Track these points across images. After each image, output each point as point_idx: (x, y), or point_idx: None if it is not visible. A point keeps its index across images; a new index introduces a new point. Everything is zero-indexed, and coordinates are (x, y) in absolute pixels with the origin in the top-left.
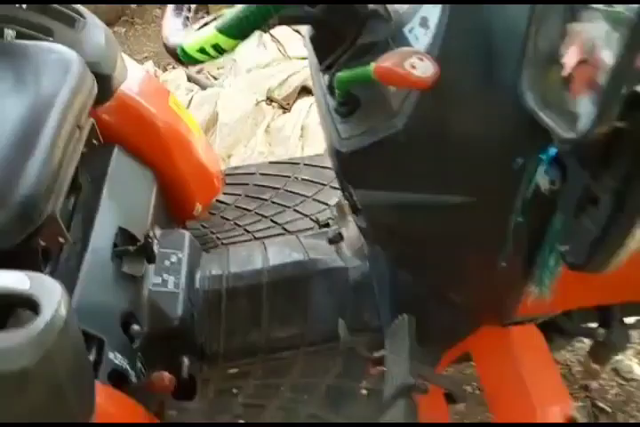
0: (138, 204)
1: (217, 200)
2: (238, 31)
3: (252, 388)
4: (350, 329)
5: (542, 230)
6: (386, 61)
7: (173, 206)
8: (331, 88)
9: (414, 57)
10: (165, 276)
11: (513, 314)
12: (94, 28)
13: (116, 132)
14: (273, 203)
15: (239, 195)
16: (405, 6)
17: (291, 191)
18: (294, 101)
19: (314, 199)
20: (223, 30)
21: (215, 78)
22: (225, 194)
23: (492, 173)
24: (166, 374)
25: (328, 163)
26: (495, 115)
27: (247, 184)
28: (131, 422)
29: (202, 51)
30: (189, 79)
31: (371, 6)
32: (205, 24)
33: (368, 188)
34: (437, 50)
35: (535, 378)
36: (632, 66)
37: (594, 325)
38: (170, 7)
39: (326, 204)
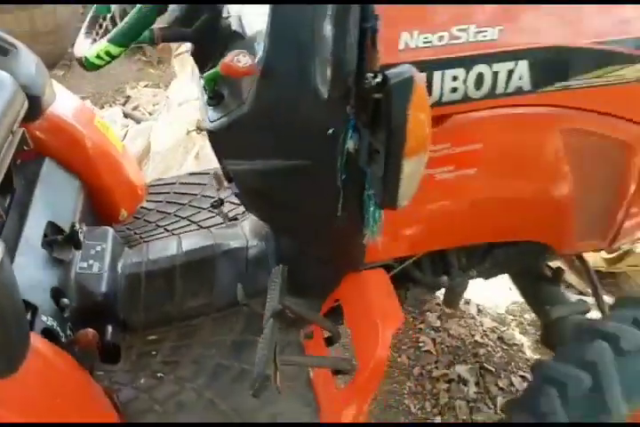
0: (65, 205)
1: (141, 207)
2: (123, 41)
3: (169, 349)
4: (248, 294)
5: (362, 183)
6: (224, 59)
7: (100, 212)
8: (204, 88)
9: (240, 55)
10: (91, 262)
11: (363, 260)
12: (26, 57)
13: (47, 146)
14: (190, 206)
15: (161, 201)
16: (258, 27)
17: (206, 196)
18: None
19: (226, 201)
20: (111, 41)
21: (150, 114)
22: (148, 201)
23: (316, 140)
24: (90, 331)
25: None
26: (311, 99)
27: (168, 192)
28: (63, 366)
29: (98, 57)
30: (125, 115)
31: (232, 28)
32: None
33: (232, 158)
34: (266, 53)
35: (379, 304)
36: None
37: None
38: (82, 31)
39: (237, 204)
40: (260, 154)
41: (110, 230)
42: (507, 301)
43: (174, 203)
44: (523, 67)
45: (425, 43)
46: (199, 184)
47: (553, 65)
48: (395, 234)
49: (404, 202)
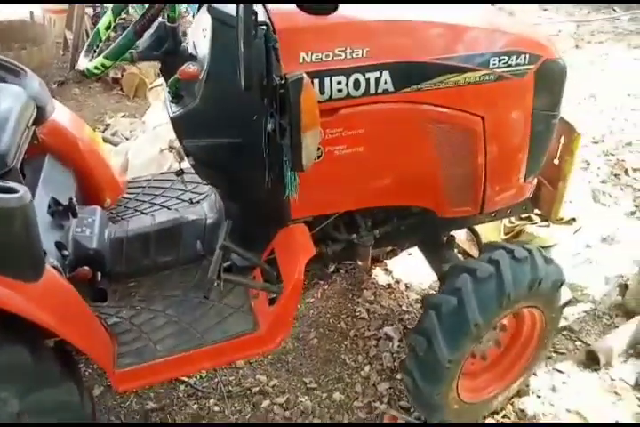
0: (63, 188)
1: (122, 197)
2: (113, 57)
3: (145, 291)
4: (206, 250)
5: (281, 154)
6: (181, 68)
7: (88, 200)
8: (168, 92)
9: (190, 64)
10: (84, 228)
11: (289, 217)
12: (32, 78)
13: (48, 146)
14: (162, 196)
15: (138, 193)
16: (205, 51)
17: (174, 188)
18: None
19: (191, 191)
20: (105, 56)
21: (127, 139)
22: (128, 193)
23: (245, 124)
24: (86, 268)
25: None
26: (238, 95)
27: (144, 187)
28: (69, 288)
29: (96, 68)
30: (105, 140)
31: (189, 51)
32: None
33: (188, 138)
34: (208, 65)
35: (298, 244)
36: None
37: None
38: (82, 54)
39: (199, 193)
40: (207, 135)
41: (98, 208)
42: (429, 279)
43: (149, 194)
44: (386, 75)
45: (316, 59)
46: (169, 180)
47: (407, 74)
48: (309, 197)
49: (307, 164)
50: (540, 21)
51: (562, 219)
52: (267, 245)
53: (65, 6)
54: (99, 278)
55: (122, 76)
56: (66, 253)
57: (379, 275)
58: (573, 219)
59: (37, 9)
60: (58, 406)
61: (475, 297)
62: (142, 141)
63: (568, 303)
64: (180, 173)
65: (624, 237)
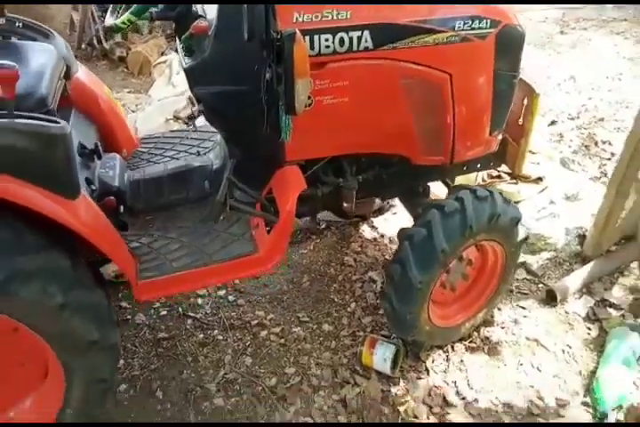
0: (89, 136)
1: (136, 150)
2: (138, 13)
3: (160, 223)
4: (212, 188)
5: (277, 101)
6: (194, 24)
7: (108, 150)
8: (182, 47)
9: (201, 20)
10: (107, 169)
11: (284, 158)
12: (60, 40)
13: (74, 101)
14: (172, 149)
15: (151, 147)
16: (213, 12)
17: (183, 144)
18: (196, 118)
19: (198, 146)
20: (131, 13)
21: (133, 111)
22: (141, 147)
23: (248, 74)
24: (112, 197)
25: (207, 130)
26: (242, 48)
27: (156, 142)
28: (98, 213)
29: (123, 23)
30: None
31: (199, 12)
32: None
33: (199, 85)
34: (216, 22)
35: (290, 181)
36: None
37: None
38: (108, 14)
39: (206, 147)
40: (215, 83)
41: (117, 155)
42: None
43: (160, 148)
44: (367, 34)
45: (307, 18)
46: (178, 137)
47: (385, 33)
48: (301, 141)
49: (299, 109)
50: (528, 8)
51: (529, 177)
52: (266, 183)
53: None
54: (121, 211)
55: (127, 54)
56: (93, 187)
57: (365, 230)
58: (540, 178)
59: None
60: (90, 305)
61: (442, 228)
62: (149, 112)
63: (525, 240)
64: (192, 116)
65: (586, 196)
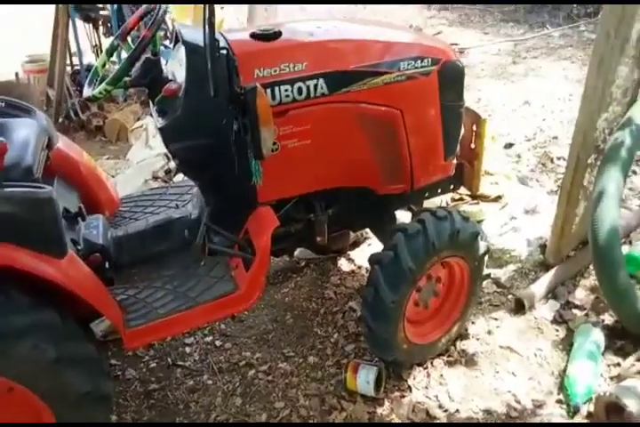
0: (72, 201)
1: (118, 210)
2: (113, 82)
3: (145, 274)
4: (192, 238)
5: (246, 149)
6: (165, 87)
7: (91, 212)
8: (156, 109)
9: (172, 84)
10: (91, 229)
11: (257, 200)
12: (40, 115)
13: (56, 169)
14: (152, 206)
15: (132, 206)
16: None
17: (162, 199)
18: (174, 176)
19: (177, 200)
20: (107, 83)
21: (113, 177)
22: (123, 207)
23: (217, 127)
24: (97, 255)
25: (184, 184)
26: (211, 106)
27: (136, 201)
28: (85, 269)
29: (100, 93)
30: None
31: (170, 77)
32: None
33: (172, 142)
34: (186, 84)
35: (263, 219)
36: None
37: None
38: (86, 85)
39: (184, 200)
40: (187, 137)
41: (101, 215)
42: None
43: (141, 206)
44: (322, 82)
45: (267, 73)
46: (157, 194)
47: (338, 80)
48: (271, 183)
49: (266, 154)
50: (482, 43)
51: (489, 196)
52: (242, 225)
53: (45, 66)
54: (107, 267)
55: (104, 123)
56: (79, 247)
57: (343, 264)
58: (499, 196)
59: (21, 71)
60: (82, 357)
61: (407, 249)
62: (128, 175)
63: (487, 253)
64: (169, 171)
65: (544, 209)
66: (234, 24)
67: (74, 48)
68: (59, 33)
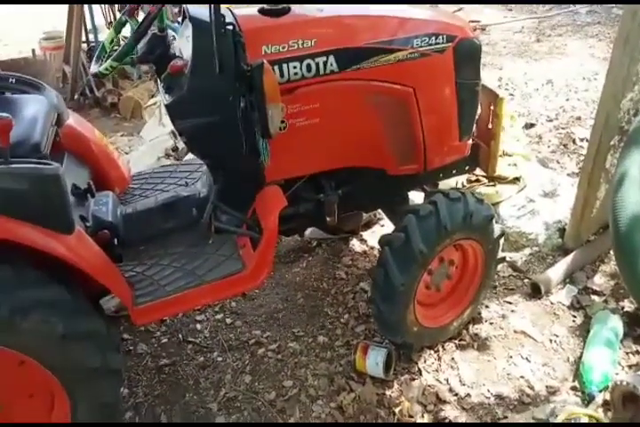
0: (82, 178)
1: (128, 187)
2: (119, 58)
3: (153, 251)
4: (200, 216)
5: (253, 126)
6: (171, 64)
7: (101, 189)
8: (162, 86)
9: (177, 60)
10: (100, 206)
11: (265, 179)
12: (50, 91)
13: (66, 146)
14: (162, 183)
15: (142, 182)
16: (189, 52)
17: (172, 177)
18: (185, 154)
19: (186, 178)
20: (112, 59)
21: (127, 153)
22: (133, 184)
23: (224, 104)
24: (106, 231)
25: (194, 162)
26: (216, 82)
27: (147, 178)
28: (93, 245)
29: (106, 69)
30: None
31: (176, 54)
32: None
33: (179, 119)
34: (191, 61)
35: (271, 199)
36: None
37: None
38: (93, 62)
39: (194, 178)
40: (194, 116)
41: (110, 192)
42: None
43: (151, 183)
44: (332, 59)
45: (275, 50)
46: (168, 171)
47: (348, 56)
48: (279, 162)
49: (274, 132)
50: (504, 20)
51: (506, 178)
52: (249, 205)
53: (61, 43)
54: (115, 244)
55: (118, 100)
56: (88, 224)
57: (355, 244)
58: (517, 178)
59: (38, 48)
60: (90, 332)
61: (418, 231)
62: (141, 153)
63: (502, 236)
64: (175, 148)
65: (564, 192)
66: None
67: (90, 25)
68: (74, 10)
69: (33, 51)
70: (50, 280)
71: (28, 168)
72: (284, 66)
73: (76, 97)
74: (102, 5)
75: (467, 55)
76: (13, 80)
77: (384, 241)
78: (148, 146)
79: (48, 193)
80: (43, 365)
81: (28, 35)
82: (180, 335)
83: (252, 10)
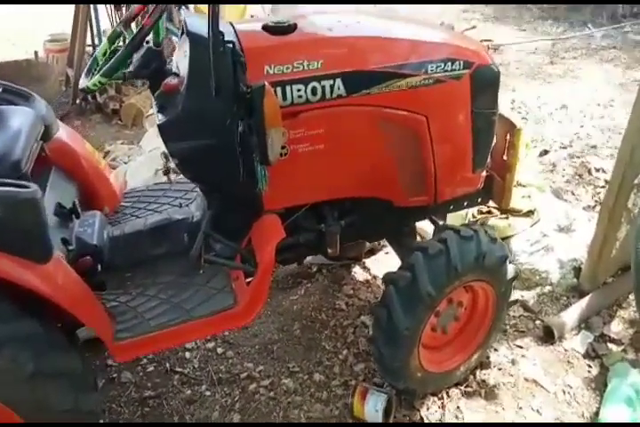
0: (67, 196)
1: (120, 205)
2: (108, 74)
3: (139, 279)
4: (192, 243)
5: (251, 152)
6: (165, 82)
7: (89, 208)
8: (156, 104)
9: (172, 78)
10: (86, 227)
11: (263, 208)
12: (39, 101)
13: (54, 160)
14: (155, 202)
15: (134, 201)
16: (186, 69)
17: (166, 196)
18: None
19: (181, 198)
20: (101, 75)
21: (125, 163)
22: (125, 202)
23: (220, 128)
24: (88, 258)
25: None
26: (213, 104)
27: (139, 196)
28: (72, 275)
29: (94, 85)
30: None
31: (172, 70)
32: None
33: (172, 141)
34: (187, 79)
35: (268, 229)
36: None
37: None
38: (83, 75)
39: (188, 199)
40: (187, 137)
41: (98, 212)
42: None
43: (143, 202)
44: (339, 82)
45: (279, 70)
46: (162, 189)
47: (357, 80)
48: (279, 190)
49: (273, 159)
50: (518, 40)
51: (520, 211)
52: (245, 234)
53: (66, 46)
54: (99, 269)
55: (120, 106)
56: (70, 247)
57: (357, 272)
58: (531, 211)
59: (41, 50)
60: (64, 371)
61: (426, 271)
62: (138, 164)
63: (515, 278)
64: (167, 171)
65: (580, 226)
66: (257, 11)
67: (95, 28)
68: (80, 12)
69: (35, 53)
70: (22, 314)
71: (2, 191)
72: (288, 88)
73: (77, 102)
74: (108, 9)
75: (485, 83)
76: (0, 89)
77: (388, 279)
78: (146, 157)
79: (23, 219)
80: (8, 406)
81: (38, 35)
82: (168, 364)
83: (256, 26)
